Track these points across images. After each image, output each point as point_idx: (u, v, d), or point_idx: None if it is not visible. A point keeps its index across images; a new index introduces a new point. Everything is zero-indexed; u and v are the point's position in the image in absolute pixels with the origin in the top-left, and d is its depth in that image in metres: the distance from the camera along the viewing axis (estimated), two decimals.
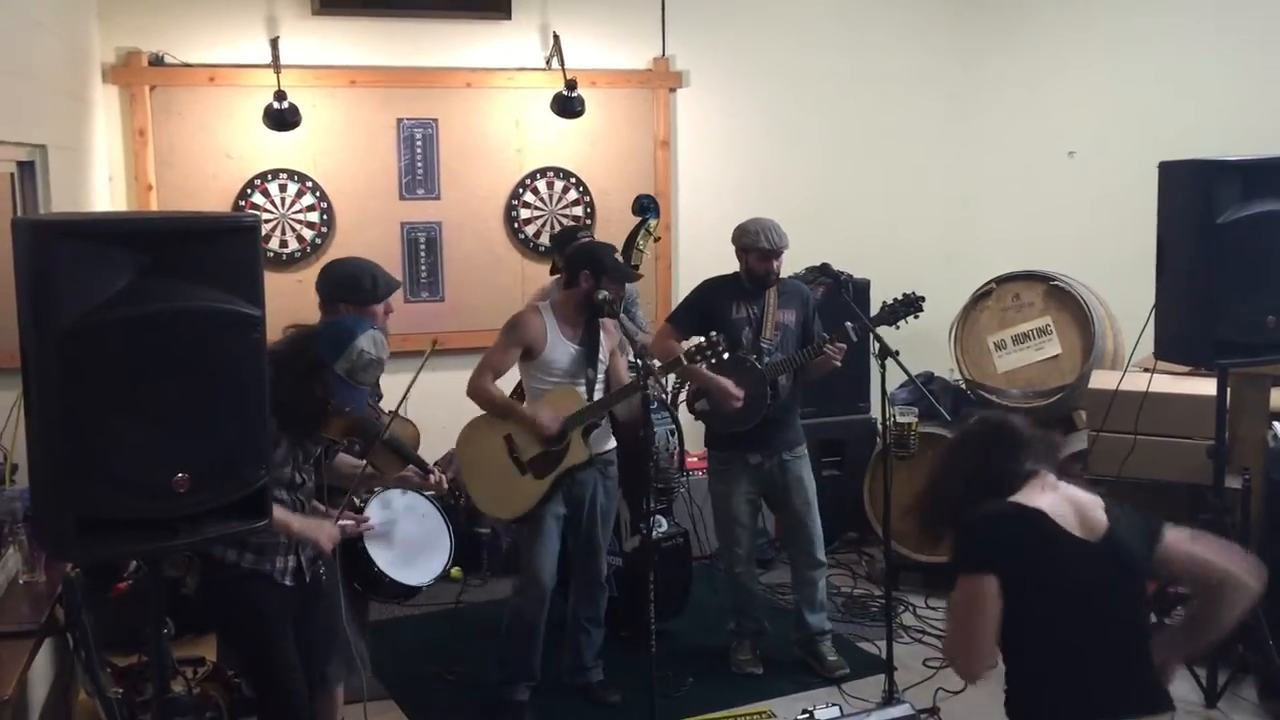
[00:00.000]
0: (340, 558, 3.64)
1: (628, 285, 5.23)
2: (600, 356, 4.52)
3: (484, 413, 4.49)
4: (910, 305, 4.72)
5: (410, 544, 3.98)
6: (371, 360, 3.29)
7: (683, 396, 5.25)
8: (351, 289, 3.92)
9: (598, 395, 4.49)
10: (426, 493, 4.05)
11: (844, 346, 4.66)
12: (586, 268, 4.43)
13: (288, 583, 3.44)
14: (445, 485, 3.95)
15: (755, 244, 4.76)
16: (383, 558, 3.84)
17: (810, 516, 4.90)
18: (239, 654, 3.69)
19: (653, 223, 5.09)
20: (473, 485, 4.55)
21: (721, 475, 4.92)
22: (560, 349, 4.45)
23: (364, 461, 3.65)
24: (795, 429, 4.93)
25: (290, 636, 3.46)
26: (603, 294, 4.36)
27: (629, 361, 4.65)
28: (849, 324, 4.65)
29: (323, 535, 3.44)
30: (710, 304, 4.85)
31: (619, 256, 4.60)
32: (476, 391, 4.42)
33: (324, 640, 3.64)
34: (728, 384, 4.65)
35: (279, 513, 3.45)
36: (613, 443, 4.66)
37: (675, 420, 5.40)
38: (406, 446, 3.86)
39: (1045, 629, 2.63)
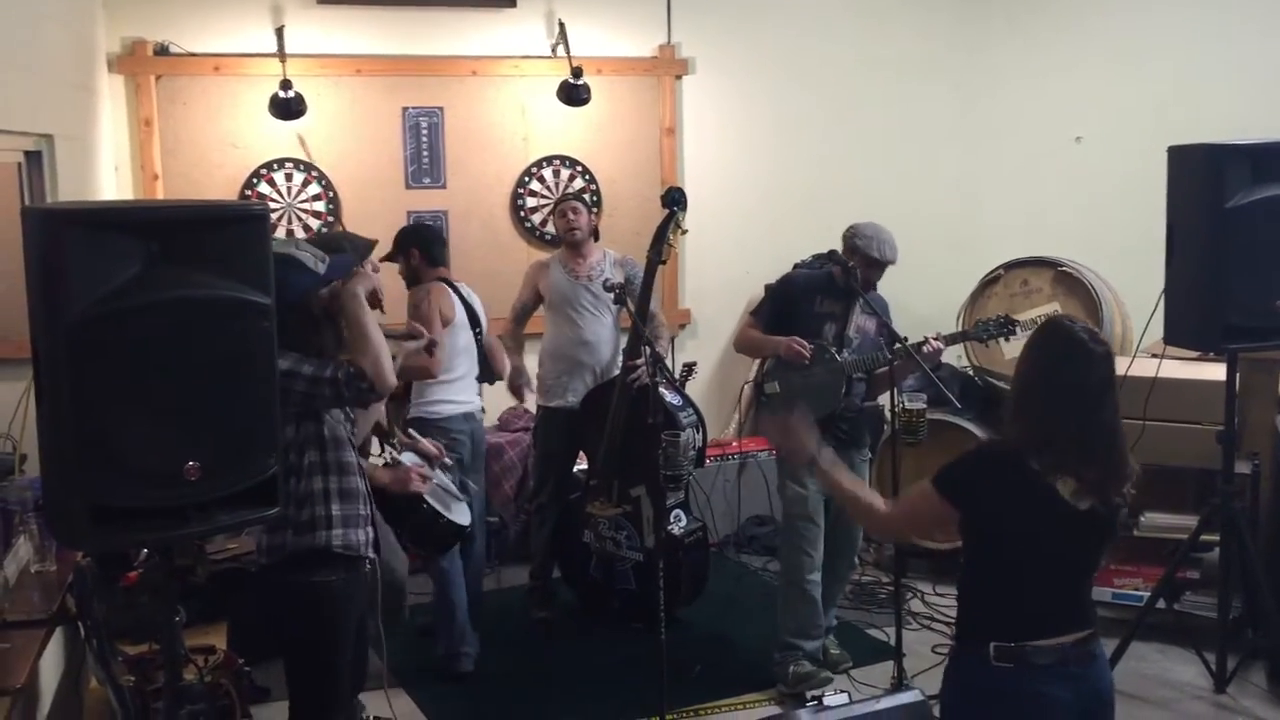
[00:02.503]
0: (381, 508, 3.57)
1: (629, 267, 5.24)
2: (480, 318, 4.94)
3: None
4: (1004, 327, 4.61)
5: (440, 492, 4.06)
6: (289, 243, 3.20)
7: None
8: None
9: None
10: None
11: (941, 346, 4.51)
12: (418, 249, 4.85)
13: (369, 555, 3.23)
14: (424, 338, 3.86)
15: (867, 250, 4.58)
16: (431, 501, 3.90)
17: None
18: (297, 664, 3.27)
19: (681, 215, 5.07)
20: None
21: (796, 471, 4.63)
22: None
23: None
24: (865, 433, 4.86)
25: (350, 648, 3.28)
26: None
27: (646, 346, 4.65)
28: (938, 332, 4.56)
29: (413, 478, 3.44)
30: (793, 296, 4.76)
31: (434, 227, 5.01)
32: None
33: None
34: (793, 339, 4.57)
35: (372, 471, 3.45)
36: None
37: (700, 417, 5.32)
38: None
39: (1009, 565, 2.72)
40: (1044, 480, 2.62)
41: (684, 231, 5.15)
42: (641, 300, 5.03)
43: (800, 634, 4.69)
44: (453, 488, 4.24)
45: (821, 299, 4.70)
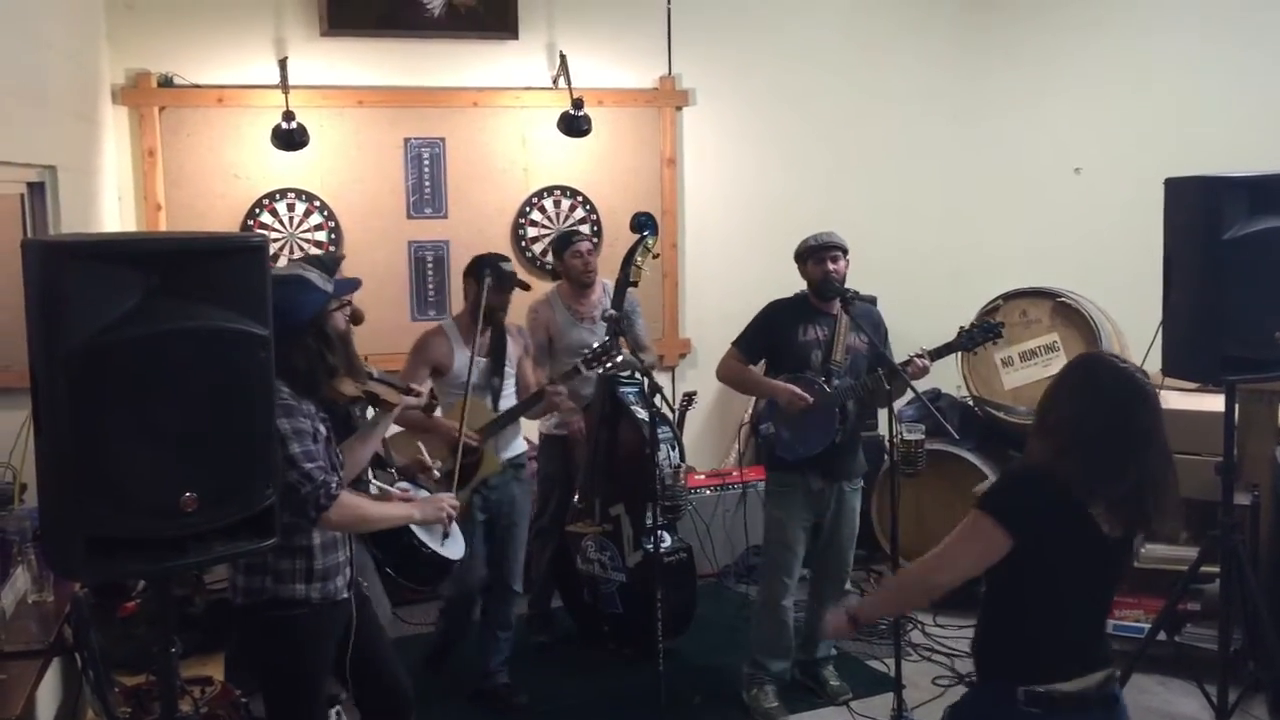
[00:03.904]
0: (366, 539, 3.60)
1: (628, 298, 5.26)
2: (507, 366, 4.68)
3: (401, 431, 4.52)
4: (989, 332, 4.61)
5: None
6: (298, 265, 3.25)
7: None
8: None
9: (507, 404, 4.65)
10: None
11: (927, 364, 4.52)
12: (470, 275, 4.63)
13: (344, 596, 3.28)
14: (424, 395, 3.85)
15: (806, 244, 4.67)
16: (418, 532, 3.82)
17: (851, 549, 4.85)
18: (273, 698, 3.32)
19: (651, 240, 5.10)
20: None
21: (781, 499, 4.74)
22: (464, 362, 4.55)
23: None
24: (858, 458, 4.84)
25: (327, 677, 3.33)
26: (489, 300, 4.51)
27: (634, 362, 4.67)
28: (923, 348, 4.55)
29: (446, 505, 3.43)
30: (776, 325, 4.74)
31: (505, 265, 4.68)
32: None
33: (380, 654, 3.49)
34: (792, 386, 4.56)
35: (400, 509, 3.42)
36: (523, 445, 4.85)
37: (676, 435, 5.37)
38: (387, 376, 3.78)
39: (1048, 599, 2.67)
40: (1085, 509, 2.61)
41: (655, 255, 5.18)
42: (614, 308, 5.07)
43: (767, 653, 4.79)
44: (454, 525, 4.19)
45: (805, 326, 4.70)
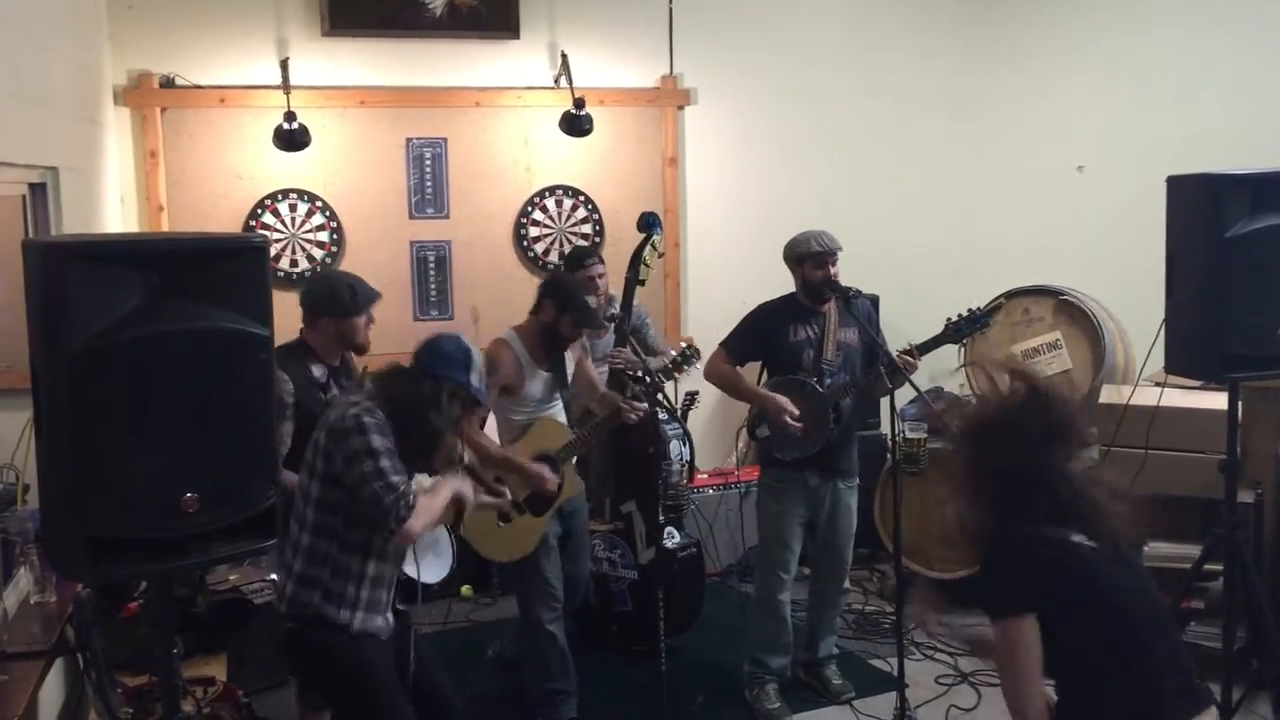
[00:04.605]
0: None
1: (637, 306, 5.24)
2: (568, 375, 4.58)
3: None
4: (976, 322, 4.57)
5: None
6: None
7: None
8: (331, 301, 3.98)
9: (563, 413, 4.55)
10: None
11: (915, 362, 4.46)
12: (553, 298, 4.41)
13: (384, 639, 3.34)
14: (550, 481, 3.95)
15: (808, 249, 4.60)
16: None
17: (849, 547, 4.85)
18: (343, 714, 3.47)
19: (657, 238, 5.11)
20: (471, 532, 4.44)
21: (776, 494, 4.73)
22: (535, 379, 4.43)
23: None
24: (853, 458, 4.83)
25: (406, 695, 3.34)
26: (564, 330, 4.35)
27: (639, 374, 4.64)
28: (910, 343, 4.51)
29: (465, 488, 3.43)
30: (766, 327, 4.72)
31: (591, 302, 4.50)
32: (468, 444, 4.34)
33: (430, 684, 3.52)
34: (782, 401, 4.53)
35: (449, 486, 3.37)
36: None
37: (685, 430, 5.38)
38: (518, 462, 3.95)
39: (1092, 655, 2.56)
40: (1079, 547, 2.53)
41: (660, 254, 5.17)
42: (623, 310, 5.04)
43: (766, 649, 4.78)
44: (443, 535, 4.16)
45: (795, 327, 4.68)
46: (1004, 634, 2.54)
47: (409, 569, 3.65)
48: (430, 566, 3.96)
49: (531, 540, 4.40)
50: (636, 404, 4.43)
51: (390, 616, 3.37)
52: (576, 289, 4.46)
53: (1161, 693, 2.53)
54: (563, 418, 4.54)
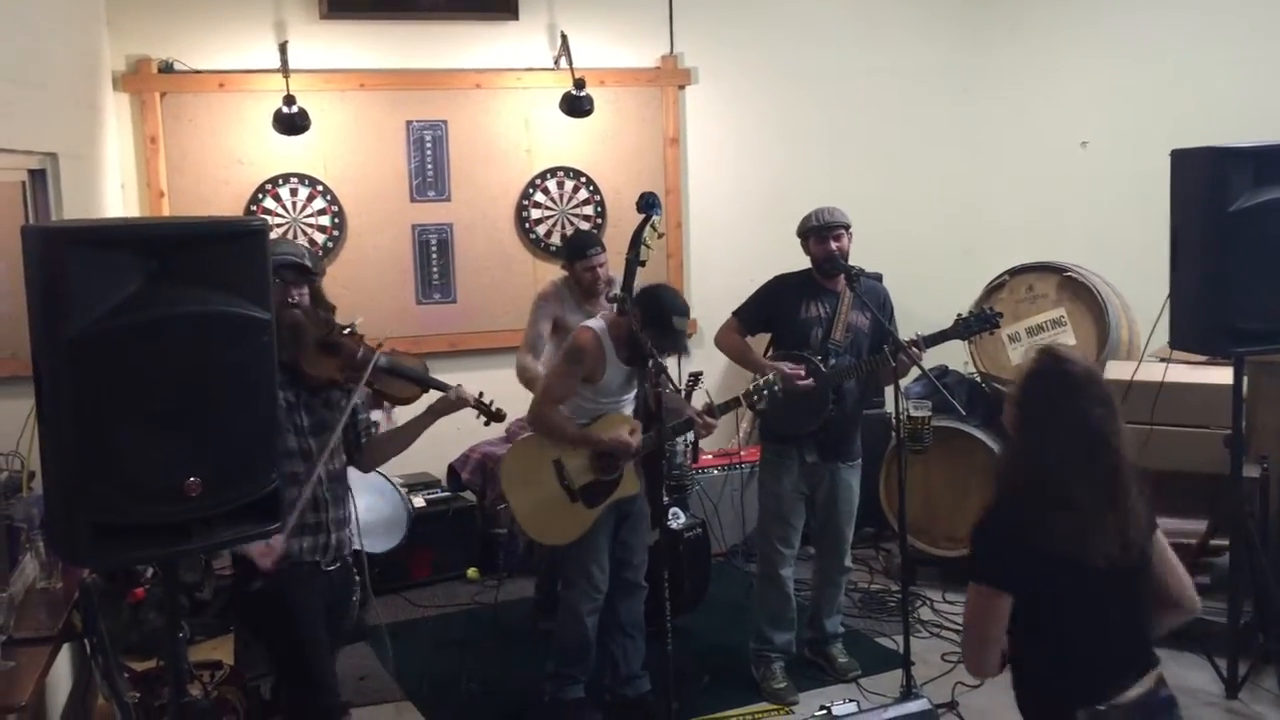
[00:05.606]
0: None
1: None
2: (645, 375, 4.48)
3: (531, 434, 4.42)
4: (986, 321, 4.57)
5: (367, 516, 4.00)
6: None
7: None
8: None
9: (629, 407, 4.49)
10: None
11: (920, 354, 4.42)
12: (641, 310, 4.26)
13: (317, 558, 3.45)
14: (471, 397, 3.81)
15: (808, 224, 4.64)
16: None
17: (849, 525, 4.84)
18: (272, 655, 3.65)
19: (657, 219, 5.09)
20: (518, 507, 4.43)
21: (774, 467, 4.75)
22: (615, 370, 4.36)
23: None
24: (855, 442, 4.81)
25: (326, 635, 3.46)
26: (649, 346, 4.15)
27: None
28: (918, 334, 4.48)
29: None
30: (778, 300, 4.72)
31: (679, 324, 4.28)
32: (541, 424, 4.32)
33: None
34: (784, 366, 4.51)
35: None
36: None
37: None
38: (413, 369, 3.74)
39: (1056, 628, 2.62)
40: (1060, 530, 2.56)
41: (660, 235, 5.15)
42: (624, 291, 5.02)
43: (771, 623, 4.80)
44: (398, 506, 4.16)
45: (808, 303, 4.68)
46: (975, 595, 2.64)
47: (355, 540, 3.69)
48: (378, 538, 3.98)
49: (571, 531, 4.36)
50: (710, 419, 4.37)
51: (324, 535, 3.45)
52: (668, 309, 4.25)
53: (1094, 667, 2.61)
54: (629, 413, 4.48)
